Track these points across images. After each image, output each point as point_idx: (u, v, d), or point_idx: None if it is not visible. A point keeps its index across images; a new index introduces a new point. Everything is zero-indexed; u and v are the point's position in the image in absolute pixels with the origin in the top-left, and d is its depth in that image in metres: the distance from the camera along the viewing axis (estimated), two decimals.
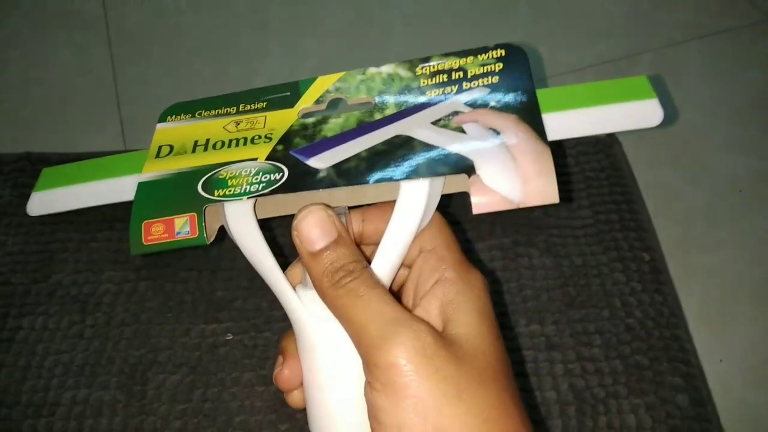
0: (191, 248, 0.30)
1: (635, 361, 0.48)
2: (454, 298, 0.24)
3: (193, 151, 0.31)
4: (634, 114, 0.29)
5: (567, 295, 0.51)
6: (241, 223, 0.27)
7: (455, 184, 0.27)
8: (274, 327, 0.49)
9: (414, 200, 0.25)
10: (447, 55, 0.31)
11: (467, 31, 0.74)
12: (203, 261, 0.53)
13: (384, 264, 0.25)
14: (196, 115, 0.35)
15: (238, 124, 0.32)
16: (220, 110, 0.34)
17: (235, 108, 0.33)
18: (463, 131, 0.26)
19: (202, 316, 0.50)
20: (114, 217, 0.56)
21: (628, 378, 0.47)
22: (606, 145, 0.60)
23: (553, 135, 0.26)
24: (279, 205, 0.30)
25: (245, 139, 0.30)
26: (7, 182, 0.58)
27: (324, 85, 0.32)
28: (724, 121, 0.65)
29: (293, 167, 0.28)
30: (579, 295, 0.51)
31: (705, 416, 0.46)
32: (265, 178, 0.28)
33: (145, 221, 0.29)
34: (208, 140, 0.31)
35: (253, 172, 0.28)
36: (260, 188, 0.27)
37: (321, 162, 0.28)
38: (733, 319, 0.52)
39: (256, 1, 0.77)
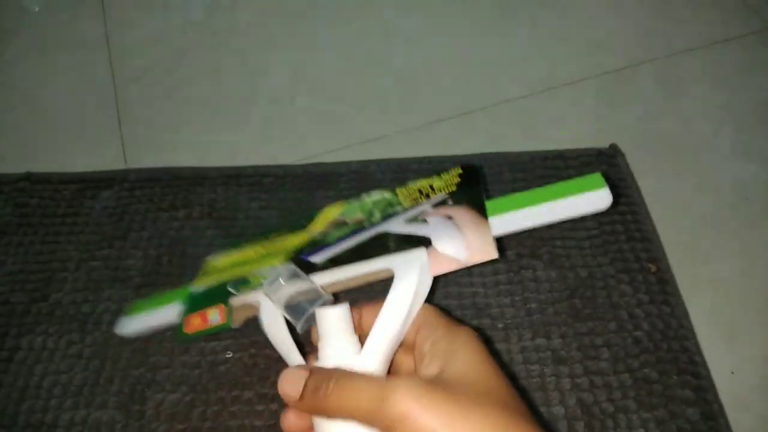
0: (222, 332, 0.39)
1: (644, 375, 0.47)
2: (446, 349, 0.28)
3: (232, 269, 0.41)
4: (584, 202, 0.34)
5: (573, 308, 0.50)
6: (272, 319, 0.35)
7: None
8: None
9: (407, 276, 0.31)
10: (418, 179, 0.39)
11: (467, 45, 0.74)
12: None
13: (381, 338, 0.29)
14: (239, 248, 0.44)
15: (266, 246, 0.41)
16: (255, 242, 0.43)
17: (266, 237, 0.43)
18: (426, 222, 0.34)
19: None
20: (114, 236, 0.56)
21: (637, 392, 0.46)
22: (609, 156, 0.60)
23: (510, 227, 0.33)
24: None
25: (270, 254, 0.39)
26: (8, 202, 0.58)
27: (331, 213, 0.40)
28: (729, 129, 0.64)
29: (298, 264, 0.36)
30: (585, 308, 0.50)
31: (717, 430, 0.44)
32: (276, 273, 0.36)
33: (185, 317, 0.38)
34: (243, 261, 0.41)
35: (269, 272, 0.37)
36: (270, 280, 0.35)
37: (319, 258, 0.36)
38: (744, 329, 0.51)
39: (257, 20, 0.77)
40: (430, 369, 0.27)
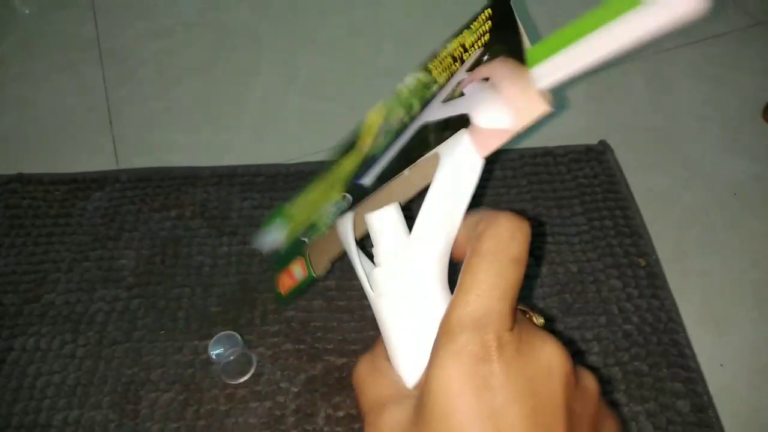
0: (310, 286, 0.37)
1: (634, 368, 0.47)
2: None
3: (300, 215, 0.39)
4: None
5: (563, 303, 0.50)
6: (344, 229, 0.32)
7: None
8: (268, 342, 0.49)
9: (447, 162, 0.26)
10: (449, 40, 0.33)
11: None
12: (196, 278, 0.53)
13: (428, 222, 0.25)
14: (308, 188, 0.41)
15: (326, 179, 0.38)
16: (320, 176, 0.40)
17: (327, 169, 0.39)
18: (463, 95, 0.28)
19: (195, 332, 0.50)
20: (106, 237, 0.56)
21: (628, 385, 0.46)
22: (598, 152, 0.60)
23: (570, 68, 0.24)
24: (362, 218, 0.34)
25: (330, 187, 0.37)
26: None
27: (374, 121, 0.36)
28: (716, 125, 0.65)
29: (353, 192, 0.33)
30: (575, 303, 0.50)
31: (707, 421, 0.45)
32: (336, 209, 0.34)
33: (276, 275, 0.38)
34: (309, 203, 0.39)
35: (330, 211, 0.35)
36: (333, 219, 0.34)
37: (369, 179, 0.32)
38: (733, 323, 0.52)
39: (248, 20, 0.77)
40: None
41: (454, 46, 0.32)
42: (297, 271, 0.36)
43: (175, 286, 0.52)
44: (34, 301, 0.52)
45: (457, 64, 0.30)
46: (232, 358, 0.46)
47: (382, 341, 0.26)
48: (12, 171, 0.60)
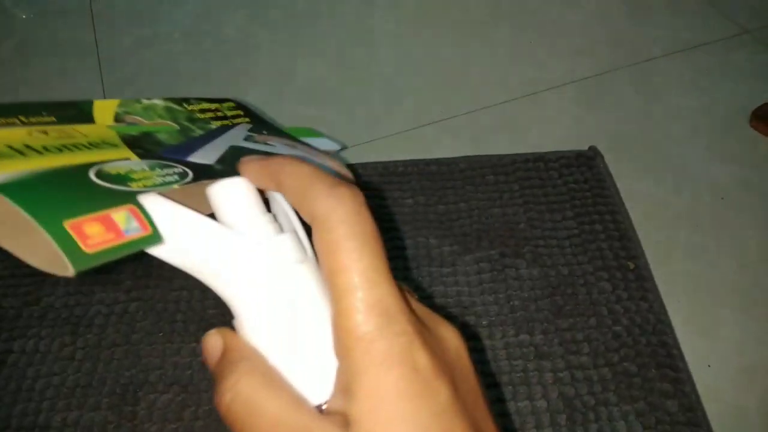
0: (141, 253, 0.23)
1: (624, 368, 0.48)
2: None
3: (22, 153, 0.23)
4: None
5: (554, 305, 0.52)
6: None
7: None
8: None
9: None
10: (198, 99, 0.36)
11: (451, 51, 0.75)
12: (194, 280, 0.53)
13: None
14: None
15: (46, 132, 0.26)
16: None
17: (17, 119, 0.26)
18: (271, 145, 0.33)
19: (193, 334, 0.50)
20: None
21: (618, 385, 0.47)
22: (588, 158, 0.62)
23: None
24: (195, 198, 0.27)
25: (78, 144, 0.26)
26: None
27: (108, 107, 0.31)
28: (704, 131, 0.66)
29: (185, 165, 0.27)
30: (566, 305, 0.51)
31: (695, 421, 0.46)
32: (172, 172, 0.25)
33: (66, 222, 0.20)
34: (26, 145, 0.24)
35: (149, 167, 0.25)
36: (186, 179, 0.25)
37: (204, 159, 0.28)
38: (720, 324, 0.53)
39: (245, 28, 0.78)
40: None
41: (209, 107, 0.35)
42: (125, 221, 0.22)
43: (173, 289, 0.53)
44: (33, 304, 0.52)
45: (225, 122, 0.34)
46: None
47: (249, 348, 0.20)
48: None
